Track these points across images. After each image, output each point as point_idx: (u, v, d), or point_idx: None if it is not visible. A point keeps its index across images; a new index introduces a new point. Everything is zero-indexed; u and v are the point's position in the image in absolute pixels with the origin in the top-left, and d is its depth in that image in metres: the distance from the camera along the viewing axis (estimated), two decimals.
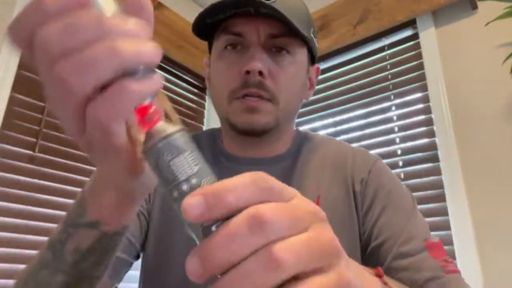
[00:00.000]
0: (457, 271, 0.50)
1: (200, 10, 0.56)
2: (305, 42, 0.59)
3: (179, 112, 1.95)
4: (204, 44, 0.65)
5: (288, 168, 0.61)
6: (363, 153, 0.63)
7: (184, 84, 2.04)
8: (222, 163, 0.62)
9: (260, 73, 0.54)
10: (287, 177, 0.59)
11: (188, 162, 0.21)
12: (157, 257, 0.58)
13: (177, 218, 0.21)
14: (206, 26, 0.59)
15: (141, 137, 0.24)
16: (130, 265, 0.58)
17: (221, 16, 0.56)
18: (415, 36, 1.61)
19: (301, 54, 0.59)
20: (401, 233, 0.52)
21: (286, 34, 0.56)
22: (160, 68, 1.91)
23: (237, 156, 0.62)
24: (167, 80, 1.94)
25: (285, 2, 0.54)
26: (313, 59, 0.64)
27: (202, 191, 0.20)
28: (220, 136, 0.66)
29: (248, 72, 0.54)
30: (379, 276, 0.38)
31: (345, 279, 0.21)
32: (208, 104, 2.12)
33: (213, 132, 0.68)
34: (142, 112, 0.23)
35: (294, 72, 0.58)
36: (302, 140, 0.65)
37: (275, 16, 0.53)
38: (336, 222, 0.55)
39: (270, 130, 0.57)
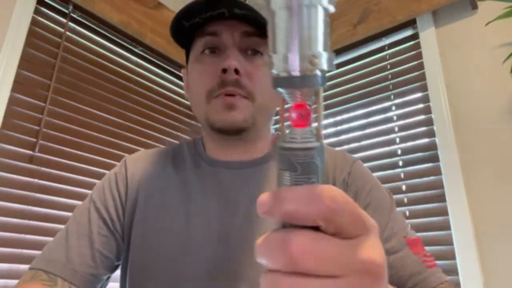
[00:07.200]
0: (436, 265, 0.54)
1: None
2: None
3: (180, 112, 1.95)
4: None
5: (268, 171, 0.62)
6: (342, 154, 0.65)
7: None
8: (203, 167, 0.63)
9: (236, 71, 0.55)
10: (267, 181, 0.60)
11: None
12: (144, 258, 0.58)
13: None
14: (184, 31, 0.61)
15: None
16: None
17: (197, 19, 0.58)
18: (415, 36, 1.61)
19: None
20: (383, 230, 0.55)
21: (259, 32, 0.58)
22: (160, 67, 1.91)
23: (217, 160, 0.63)
24: (167, 80, 1.94)
25: (257, 2, 0.56)
26: None
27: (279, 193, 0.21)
28: (201, 143, 0.68)
29: (224, 71, 0.55)
30: None
31: None
32: None
33: (193, 141, 0.70)
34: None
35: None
36: None
37: (247, 17, 0.56)
38: None
39: (248, 128, 0.58)
